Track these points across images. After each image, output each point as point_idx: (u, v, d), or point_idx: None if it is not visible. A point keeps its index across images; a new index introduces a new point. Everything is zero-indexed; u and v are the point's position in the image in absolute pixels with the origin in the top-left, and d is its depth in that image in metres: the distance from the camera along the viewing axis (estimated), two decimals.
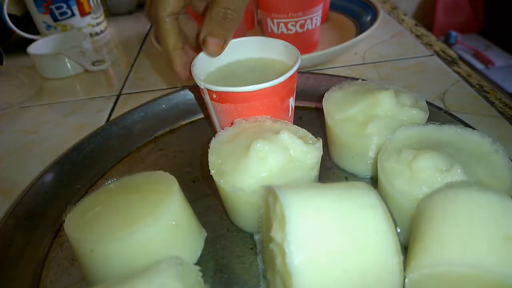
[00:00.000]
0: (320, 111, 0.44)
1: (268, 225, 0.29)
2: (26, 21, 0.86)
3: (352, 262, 0.24)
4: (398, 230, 0.26)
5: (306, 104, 0.55)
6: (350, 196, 0.27)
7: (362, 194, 0.28)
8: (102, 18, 0.92)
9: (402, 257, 0.25)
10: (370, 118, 0.40)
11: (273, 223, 0.27)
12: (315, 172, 0.35)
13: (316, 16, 0.65)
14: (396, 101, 0.41)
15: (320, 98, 0.44)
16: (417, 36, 0.75)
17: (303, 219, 0.25)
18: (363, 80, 0.47)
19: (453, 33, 1.73)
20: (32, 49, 0.73)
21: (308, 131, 0.39)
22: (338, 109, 0.42)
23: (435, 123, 0.38)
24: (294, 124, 0.40)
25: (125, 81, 0.71)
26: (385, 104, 0.40)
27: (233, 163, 0.34)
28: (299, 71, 0.45)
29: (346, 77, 0.53)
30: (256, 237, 0.33)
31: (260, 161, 0.33)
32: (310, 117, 0.52)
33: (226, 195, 0.36)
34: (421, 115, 0.40)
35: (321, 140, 0.36)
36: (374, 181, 0.41)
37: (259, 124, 0.40)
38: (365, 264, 0.24)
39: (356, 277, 0.24)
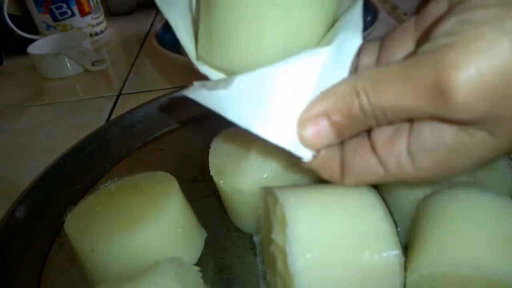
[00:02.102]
0: None
1: (268, 226, 0.29)
2: (26, 21, 0.86)
3: (354, 264, 0.24)
4: (398, 229, 0.26)
5: None
6: (350, 197, 0.27)
7: (362, 195, 0.28)
8: (102, 18, 0.92)
9: (403, 258, 0.25)
10: None
11: (273, 224, 0.27)
12: (315, 174, 0.35)
13: None
14: None
15: None
16: None
17: (303, 221, 0.25)
18: None
19: None
20: (32, 49, 0.73)
21: None
22: None
23: None
24: None
25: (125, 81, 0.71)
26: None
27: (233, 163, 0.34)
28: None
29: None
30: (256, 239, 0.33)
31: (260, 162, 0.33)
32: None
33: (226, 196, 0.35)
34: None
35: None
36: None
37: None
38: (367, 265, 0.24)
39: (358, 278, 0.24)
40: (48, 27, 0.84)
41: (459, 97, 0.18)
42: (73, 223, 0.32)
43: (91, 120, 0.59)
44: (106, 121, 0.58)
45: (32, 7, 0.82)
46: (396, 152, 0.23)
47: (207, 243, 0.36)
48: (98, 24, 0.90)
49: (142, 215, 0.31)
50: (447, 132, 0.21)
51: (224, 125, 0.39)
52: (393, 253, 0.25)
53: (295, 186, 0.30)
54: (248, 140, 0.35)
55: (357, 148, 0.25)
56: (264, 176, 0.33)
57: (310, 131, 0.22)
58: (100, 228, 0.31)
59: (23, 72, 0.78)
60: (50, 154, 0.48)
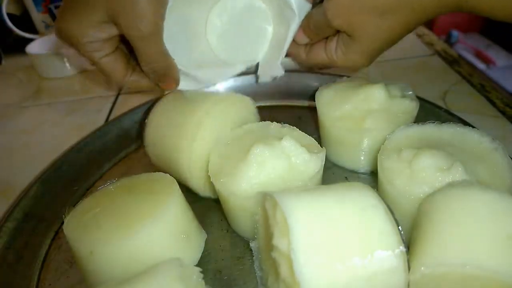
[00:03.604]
0: (315, 109, 0.44)
1: (268, 232, 0.29)
2: (25, 21, 0.85)
3: (359, 266, 0.24)
4: (400, 228, 0.26)
5: (299, 103, 0.55)
6: (350, 198, 0.27)
7: (362, 195, 0.27)
8: None
9: (407, 257, 0.25)
10: (366, 113, 0.40)
11: (274, 230, 0.27)
12: (315, 182, 0.34)
13: None
14: (388, 94, 0.41)
15: (312, 97, 0.45)
16: (418, 36, 0.74)
17: (307, 226, 0.25)
18: (347, 76, 0.48)
19: (454, 32, 1.71)
20: (30, 48, 0.73)
21: (308, 130, 0.38)
22: (332, 107, 0.42)
23: (434, 122, 0.38)
24: (293, 123, 0.40)
25: None
26: (377, 97, 0.40)
27: (232, 166, 0.34)
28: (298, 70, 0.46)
29: (333, 75, 0.54)
30: (253, 245, 0.32)
31: (258, 166, 0.33)
32: (310, 116, 0.52)
33: (223, 198, 0.35)
34: (412, 105, 0.41)
35: (325, 149, 0.36)
36: (374, 175, 0.41)
37: (264, 128, 0.39)
38: (372, 266, 0.24)
39: (364, 280, 0.24)
40: (47, 26, 0.84)
41: (328, 14, 0.39)
42: (72, 225, 0.31)
43: (90, 120, 0.59)
44: (105, 121, 0.58)
45: (31, 6, 0.82)
46: (329, 48, 0.43)
47: (207, 244, 0.36)
48: None
49: (141, 216, 0.31)
50: (345, 37, 0.41)
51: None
52: (397, 253, 0.24)
53: (293, 189, 0.30)
54: (249, 143, 0.35)
55: (318, 45, 0.45)
56: (260, 180, 0.33)
57: (297, 35, 0.44)
58: (99, 229, 0.30)
59: (22, 71, 0.78)
60: (48, 155, 0.48)
